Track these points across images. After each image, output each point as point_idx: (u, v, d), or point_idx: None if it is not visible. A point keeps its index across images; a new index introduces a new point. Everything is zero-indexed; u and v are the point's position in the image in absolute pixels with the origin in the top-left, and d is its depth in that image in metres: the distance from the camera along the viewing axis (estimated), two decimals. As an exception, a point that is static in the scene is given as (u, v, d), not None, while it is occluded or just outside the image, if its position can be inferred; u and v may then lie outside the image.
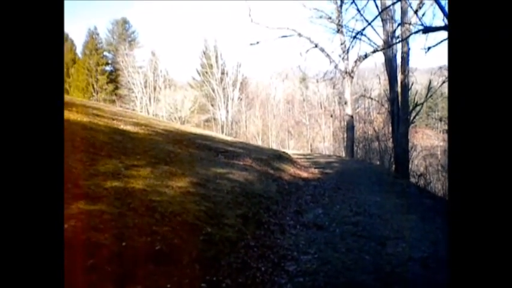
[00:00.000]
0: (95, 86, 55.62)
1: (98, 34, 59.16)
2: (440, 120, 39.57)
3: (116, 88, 55.01)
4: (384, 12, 19.91)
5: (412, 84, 22.15)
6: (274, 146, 44.58)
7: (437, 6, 11.04)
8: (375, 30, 30.23)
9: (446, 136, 23.79)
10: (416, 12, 17.92)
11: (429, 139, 49.04)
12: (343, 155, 33.36)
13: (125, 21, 60.80)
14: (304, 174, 15.33)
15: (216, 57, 53.58)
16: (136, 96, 50.53)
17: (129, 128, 13.16)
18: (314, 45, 27.46)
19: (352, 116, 29.87)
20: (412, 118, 22.68)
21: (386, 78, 22.79)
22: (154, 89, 50.62)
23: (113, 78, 56.55)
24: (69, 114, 11.13)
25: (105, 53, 59.69)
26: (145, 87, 50.56)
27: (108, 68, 59.24)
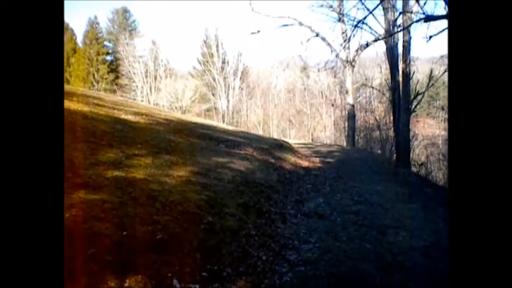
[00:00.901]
0: (96, 76, 55.49)
1: (98, 23, 59.00)
2: (442, 109, 39.51)
3: (117, 78, 54.95)
4: (385, 0, 19.82)
5: (413, 73, 22.07)
6: (275, 135, 44.60)
7: (439, -5, 10.96)
8: (376, 19, 30.24)
9: (447, 125, 23.76)
10: (418, 0, 17.79)
11: (430, 128, 49.02)
12: (344, 144, 33.39)
13: (125, 11, 60.64)
14: (305, 164, 15.33)
15: (217, 46, 53.48)
16: (137, 86, 50.51)
17: (130, 117, 13.15)
18: (315, 34, 27.35)
19: (353, 105, 29.82)
20: (413, 107, 22.65)
21: (388, 67, 22.74)
22: (155, 78, 50.57)
23: (114, 67, 56.46)
24: (69, 104, 11.13)
25: (106, 43, 59.55)
26: (146, 76, 50.52)
27: (108, 57, 59.12)
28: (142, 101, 47.05)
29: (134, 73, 50.27)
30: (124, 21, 60.24)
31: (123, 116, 12.94)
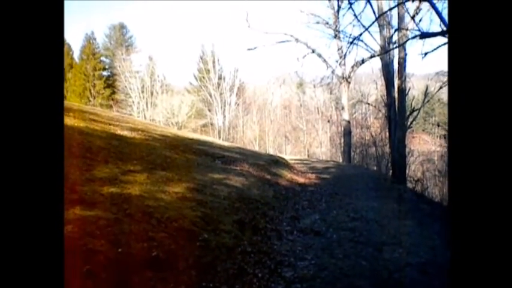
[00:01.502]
0: (92, 91, 55.46)
1: (95, 39, 59.02)
2: (438, 125, 39.74)
3: (113, 93, 54.93)
4: (381, 17, 19.93)
5: (409, 90, 22.18)
6: (271, 151, 44.57)
7: (434, 12, 11.06)
8: (371, 35, 30.31)
9: (443, 141, 23.90)
10: (413, 17, 17.94)
11: (426, 144, 49.16)
12: (340, 160, 33.39)
13: (122, 26, 60.80)
14: (301, 180, 15.32)
15: (213, 62, 53.63)
16: (133, 101, 50.48)
17: (125, 133, 13.15)
18: (311, 51, 27.47)
19: (349, 121, 29.87)
20: (409, 123, 22.72)
21: (383, 83, 22.79)
22: (151, 93, 50.59)
23: (110, 83, 56.45)
24: (66, 119, 11.12)
25: (102, 58, 59.59)
26: (142, 92, 50.52)
27: (105, 72, 59.14)
28: (138, 116, 47.04)
29: (130, 88, 50.27)
30: (121, 37, 60.40)
31: (119, 132, 12.93)
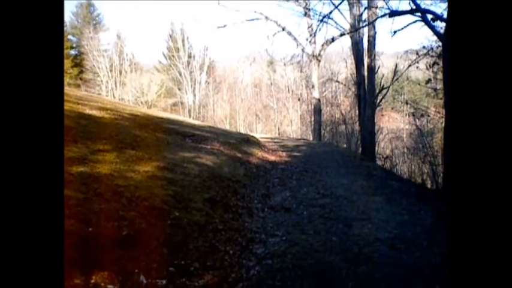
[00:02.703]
0: (59, 70, 54.42)
1: (61, 17, 57.78)
2: (406, 103, 40.11)
3: (81, 72, 54.04)
4: (350, -5, 20.02)
5: (378, 68, 22.41)
6: (242, 130, 44.64)
7: (403, -10, 11.15)
8: (341, 13, 30.42)
9: (412, 119, 24.15)
10: (382, -5, 18.06)
11: (395, 122, 49.77)
12: (311, 138, 33.58)
13: (89, 4, 59.58)
14: (272, 158, 15.38)
15: (183, 40, 53.20)
16: (101, 81, 49.79)
17: (94, 112, 12.98)
18: (281, 29, 27.38)
19: (319, 100, 29.97)
20: (378, 101, 22.97)
21: (353, 61, 23.01)
22: (120, 72, 49.91)
23: (78, 62, 55.50)
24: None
25: (70, 37, 58.38)
26: (111, 71, 49.83)
27: (72, 51, 58.00)
28: (107, 95, 46.41)
29: (99, 67, 49.52)
30: (88, 15, 59.21)
31: (88, 111, 12.75)
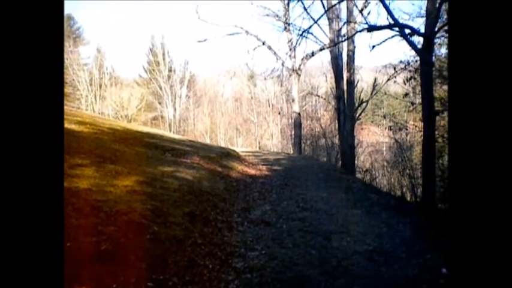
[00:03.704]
0: (38, 84, 53.97)
1: (41, 31, 57.45)
2: (384, 117, 40.51)
3: (60, 86, 53.63)
4: (329, 10, 20.23)
5: (357, 82, 22.65)
6: (223, 144, 44.61)
7: (381, 6, 11.33)
8: (321, 28, 30.73)
9: (391, 133, 24.42)
10: (361, 11, 18.27)
11: (375, 135, 50.04)
12: (291, 152, 33.66)
13: (69, 18, 59.20)
14: (252, 172, 15.40)
15: (163, 54, 53.20)
16: (81, 95, 49.41)
17: (73, 126, 12.89)
18: (261, 43, 27.56)
19: (299, 114, 30.08)
20: (357, 115, 23.19)
21: (333, 76, 23.16)
22: (100, 86, 49.61)
23: (57, 75, 55.10)
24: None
25: (49, 50, 58.07)
26: (91, 85, 49.50)
27: (51, 65, 57.64)
28: (87, 109, 46.06)
29: (79, 81, 49.15)
30: (68, 29, 58.81)
31: (67, 126, 12.66)
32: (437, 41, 14.54)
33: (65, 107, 27.34)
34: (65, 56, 49.25)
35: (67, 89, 50.54)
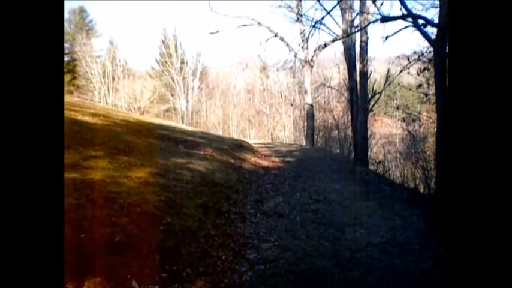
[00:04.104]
0: (52, 76, 54.16)
1: (53, 23, 57.59)
2: (398, 108, 40.19)
3: (74, 78, 53.90)
4: (342, 1, 20.10)
5: (370, 73, 22.47)
6: (235, 136, 44.61)
7: (395, -4, 11.23)
8: (334, 19, 30.67)
9: (404, 124, 24.22)
10: (374, 1, 18.12)
11: (387, 127, 49.76)
12: (304, 143, 33.58)
13: (82, 10, 59.49)
14: (265, 163, 15.38)
15: (176, 46, 53.22)
16: (94, 87, 49.72)
17: (87, 118, 12.96)
18: (274, 35, 27.47)
19: (312, 105, 29.98)
20: (370, 106, 23.01)
21: (346, 67, 23.03)
22: (113, 79, 49.86)
23: (70, 68, 55.32)
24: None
25: (62, 43, 58.31)
26: (104, 77, 49.78)
27: (65, 58, 57.90)
28: (100, 102, 46.31)
29: (91, 74, 49.44)
30: (81, 21, 59.11)
31: (80, 118, 12.74)
32: (451, 31, 14.34)
33: (78, 99, 27.58)
34: (78, 48, 49.75)
35: (80, 81, 50.95)
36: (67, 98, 21.73)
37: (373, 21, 15.10)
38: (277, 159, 16.94)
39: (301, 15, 27.31)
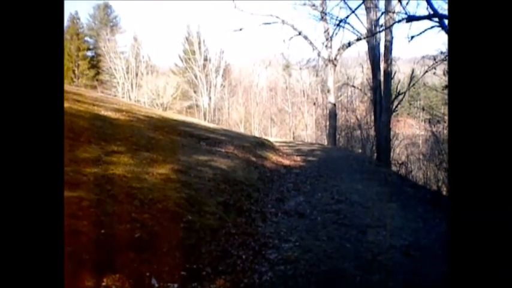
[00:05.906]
0: (76, 72, 54.79)
1: (79, 19, 58.20)
2: (423, 109, 39.85)
3: (98, 74, 54.43)
4: (367, 0, 19.89)
5: (394, 73, 22.22)
6: (257, 134, 44.59)
7: (421, -5, 11.07)
8: (358, 18, 30.36)
9: (427, 125, 23.99)
10: (400, 0, 17.93)
11: (411, 128, 49.30)
12: (326, 143, 33.46)
13: (106, 6, 60.02)
14: (287, 162, 15.33)
15: (199, 43, 53.38)
16: (118, 82, 50.13)
17: (109, 113, 13.04)
18: (297, 33, 27.36)
19: (334, 104, 29.83)
20: (394, 107, 22.80)
21: (369, 66, 22.82)
22: (136, 74, 50.24)
23: (95, 63, 55.90)
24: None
25: (87, 38, 58.84)
26: (127, 73, 50.16)
27: (89, 53, 58.49)
28: (123, 97, 46.69)
29: (115, 69, 49.86)
30: (105, 17, 59.63)
31: (103, 113, 12.82)
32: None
33: (102, 94, 27.78)
34: (102, 43, 50.21)
35: (104, 77, 51.44)
36: (90, 93, 21.91)
37: (399, 21, 14.88)
38: (298, 158, 16.87)
39: (325, 14, 27.15)
